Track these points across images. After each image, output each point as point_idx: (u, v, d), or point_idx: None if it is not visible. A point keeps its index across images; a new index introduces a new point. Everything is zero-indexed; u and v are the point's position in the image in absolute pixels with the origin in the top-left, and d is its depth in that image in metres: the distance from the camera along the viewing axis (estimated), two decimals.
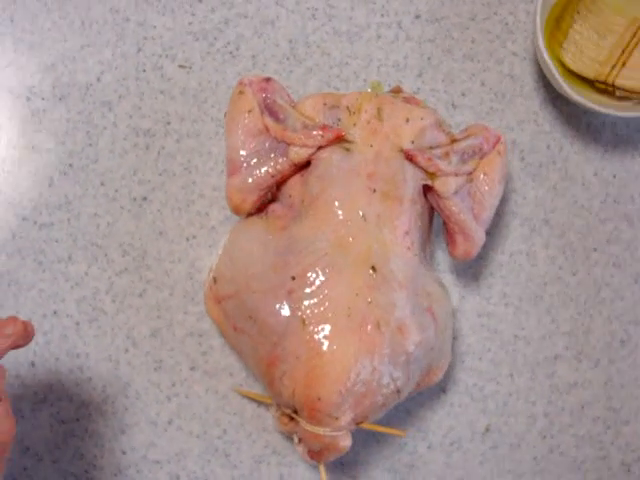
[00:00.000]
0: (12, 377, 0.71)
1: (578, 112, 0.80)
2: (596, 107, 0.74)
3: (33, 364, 0.71)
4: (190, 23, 0.76)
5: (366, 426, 0.65)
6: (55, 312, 0.72)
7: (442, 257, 0.77)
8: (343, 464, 0.74)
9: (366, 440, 0.74)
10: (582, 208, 0.79)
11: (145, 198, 0.74)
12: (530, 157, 0.79)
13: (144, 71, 0.75)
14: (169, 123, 0.75)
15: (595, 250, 0.79)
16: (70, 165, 0.73)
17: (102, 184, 0.73)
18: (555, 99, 0.80)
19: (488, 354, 0.77)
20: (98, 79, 0.74)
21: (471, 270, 0.77)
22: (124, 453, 0.72)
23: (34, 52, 0.74)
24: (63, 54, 0.74)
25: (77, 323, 0.72)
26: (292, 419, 0.66)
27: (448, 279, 0.77)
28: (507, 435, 0.77)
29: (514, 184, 0.79)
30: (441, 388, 0.76)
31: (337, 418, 0.62)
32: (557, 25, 0.78)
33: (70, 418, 0.71)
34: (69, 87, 0.74)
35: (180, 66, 0.76)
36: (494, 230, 0.78)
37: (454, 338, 0.76)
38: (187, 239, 0.74)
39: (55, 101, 0.74)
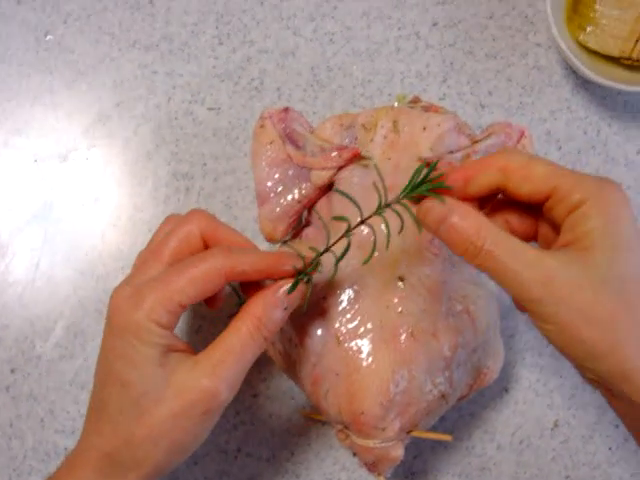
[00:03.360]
0: None
1: (612, 92, 0.79)
2: (623, 87, 0.73)
3: None
4: (214, 66, 0.80)
5: (414, 434, 0.65)
6: None
7: None
8: (414, 473, 0.75)
9: (434, 448, 0.75)
10: (629, 189, 0.78)
11: None
12: (567, 145, 0.78)
13: (176, 118, 0.79)
14: (205, 164, 0.78)
15: None
16: (118, 217, 0.77)
17: (149, 230, 0.77)
18: (587, 83, 0.79)
19: (548, 349, 0.76)
20: (135, 132, 0.79)
21: None
22: None
23: (74, 116, 0.79)
24: (100, 113, 0.79)
25: None
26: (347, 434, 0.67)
27: None
28: (577, 428, 0.75)
29: None
30: (503, 387, 0.76)
31: (384, 429, 0.63)
32: (574, 9, 0.77)
33: None
34: (108, 145, 0.79)
35: (209, 108, 0.79)
36: None
37: (511, 336, 0.76)
38: None
39: (96, 159, 0.78)
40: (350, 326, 0.64)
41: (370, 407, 0.63)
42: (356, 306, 0.64)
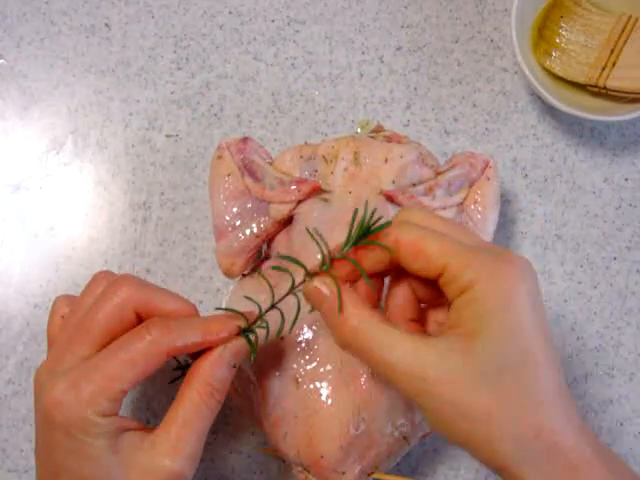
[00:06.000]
0: None
1: (579, 119, 0.77)
2: (588, 115, 0.72)
3: None
4: (172, 92, 0.77)
5: (375, 476, 0.64)
6: None
7: None
8: None
9: None
10: (596, 217, 0.76)
11: (148, 270, 0.75)
12: (534, 173, 0.77)
13: (133, 146, 0.77)
14: (163, 193, 0.76)
15: (615, 259, 0.76)
16: (73, 248, 0.75)
17: (105, 262, 0.75)
18: (553, 109, 0.77)
19: None
20: (90, 161, 0.76)
21: None
22: None
23: (27, 144, 0.77)
24: (54, 141, 0.77)
25: None
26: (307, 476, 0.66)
27: None
28: None
29: (520, 203, 0.76)
30: None
31: (344, 473, 0.62)
32: (540, 34, 0.76)
33: None
34: (63, 173, 0.76)
35: (167, 136, 0.77)
36: None
37: None
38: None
39: (50, 188, 0.76)
40: (309, 367, 0.62)
41: (329, 450, 0.61)
42: (315, 347, 0.63)
